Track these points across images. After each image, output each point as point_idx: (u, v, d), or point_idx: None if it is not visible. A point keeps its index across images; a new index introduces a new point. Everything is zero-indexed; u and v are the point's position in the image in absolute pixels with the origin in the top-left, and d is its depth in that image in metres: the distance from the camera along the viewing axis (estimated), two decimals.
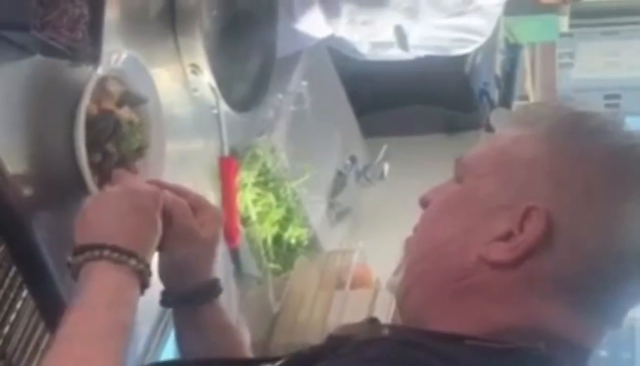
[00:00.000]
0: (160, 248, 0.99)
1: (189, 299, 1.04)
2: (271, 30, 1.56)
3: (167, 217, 0.98)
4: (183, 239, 1.00)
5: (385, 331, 0.82)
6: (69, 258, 0.90)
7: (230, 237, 1.47)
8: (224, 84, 1.42)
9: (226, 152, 1.48)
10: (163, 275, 1.04)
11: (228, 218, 1.46)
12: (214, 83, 1.38)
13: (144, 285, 0.91)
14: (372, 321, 0.87)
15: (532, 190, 0.78)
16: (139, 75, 1.15)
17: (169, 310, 1.12)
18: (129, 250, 0.89)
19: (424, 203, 0.88)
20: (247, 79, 1.53)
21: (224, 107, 1.44)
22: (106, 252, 0.88)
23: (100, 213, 0.94)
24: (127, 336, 0.86)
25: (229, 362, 1.03)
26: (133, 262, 0.89)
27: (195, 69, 1.37)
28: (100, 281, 0.88)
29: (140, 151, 1.15)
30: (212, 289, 1.06)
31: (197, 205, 1.03)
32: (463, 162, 0.86)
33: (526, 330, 0.77)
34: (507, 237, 0.78)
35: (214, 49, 1.41)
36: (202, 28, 1.37)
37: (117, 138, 1.10)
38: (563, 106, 0.86)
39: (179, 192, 1.04)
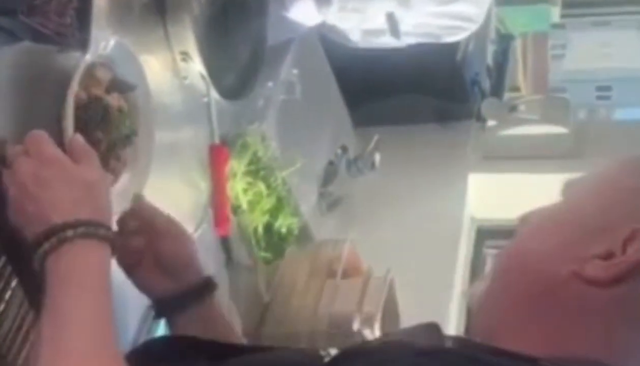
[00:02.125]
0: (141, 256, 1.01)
1: (185, 299, 1.04)
2: (261, 18, 1.55)
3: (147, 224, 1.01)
4: (164, 237, 1.03)
5: (449, 343, 0.80)
6: (33, 254, 0.84)
7: (220, 225, 1.46)
8: (214, 72, 1.41)
9: (217, 140, 1.48)
10: (148, 285, 1.04)
11: (219, 206, 1.45)
12: (204, 71, 1.37)
13: (114, 248, 0.87)
14: (431, 326, 0.85)
15: (638, 215, 0.77)
16: (128, 61, 1.14)
17: None
18: (92, 220, 0.84)
19: (523, 221, 0.86)
20: (237, 68, 1.52)
21: (214, 94, 1.43)
22: (70, 233, 0.82)
23: (37, 191, 0.86)
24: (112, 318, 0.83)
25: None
26: (102, 231, 0.85)
27: (186, 56, 1.36)
28: (73, 266, 0.82)
29: (129, 138, 1.14)
30: (207, 285, 1.06)
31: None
32: (569, 184, 0.86)
33: (604, 358, 0.75)
34: (607, 256, 0.76)
35: (203, 36, 1.40)
36: (191, 15, 1.36)
37: (105, 125, 1.09)
38: None
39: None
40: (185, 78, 1.39)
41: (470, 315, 0.84)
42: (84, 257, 0.83)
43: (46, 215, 0.84)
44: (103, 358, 0.78)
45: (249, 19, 1.53)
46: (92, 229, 0.84)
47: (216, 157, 1.47)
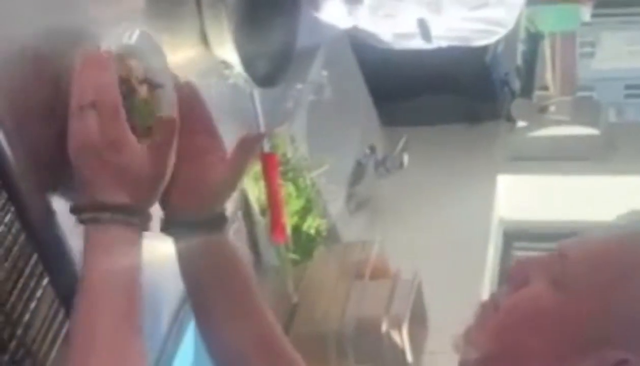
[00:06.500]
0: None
1: (194, 228, 1.00)
2: (295, 6, 1.53)
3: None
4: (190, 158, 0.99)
5: None
6: (75, 214, 0.90)
7: (277, 232, 1.47)
8: (249, 60, 1.38)
9: (266, 148, 1.47)
10: (164, 200, 1.00)
11: (274, 214, 1.45)
12: (245, 74, 1.36)
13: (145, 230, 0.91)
14: None
15: (634, 340, 0.74)
16: (154, 53, 1.07)
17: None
18: (131, 207, 0.89)
19: (517, 277, 0.82)
20: (271, 55, 1.47)
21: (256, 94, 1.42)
22: (107, 215, 0.88)
23: (92, 162, 0.89)
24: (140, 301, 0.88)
25: None
26: (135, 219, 0.89)
27: (226, 64, 1.36)
28: (106, 250, 0.88)
29: (150, 130, 1.10)
30: (218, 221, 1.02)
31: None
32: (567, 264, 0.78)
33: None
34: None
35: (238, 26, 1.39)
36: (226, 4, 1.34)
37: (128, 107, 1.05)
38: None
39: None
40: (226, 78, 1.39)
41: None
42: (116, 239, 0.88)
43: (94, 189, 0.88)
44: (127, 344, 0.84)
45: (283, 6, 1.51)
46: (126, 217, 0.88)
47: (268, 165, 1.46)
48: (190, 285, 1.04)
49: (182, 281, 1.04)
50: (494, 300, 0.83)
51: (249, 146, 1.02)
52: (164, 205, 1.01)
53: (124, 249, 0.89)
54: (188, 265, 1.03)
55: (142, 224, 0.91)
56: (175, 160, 0.97)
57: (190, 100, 1.03)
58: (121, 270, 0.88)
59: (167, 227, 1.01)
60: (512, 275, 0.83)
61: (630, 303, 0.75)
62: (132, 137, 0.91)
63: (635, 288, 0.75)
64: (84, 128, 0.88)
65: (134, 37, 1.05)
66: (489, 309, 0.82)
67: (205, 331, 1.04)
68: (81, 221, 0.89)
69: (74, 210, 0.90)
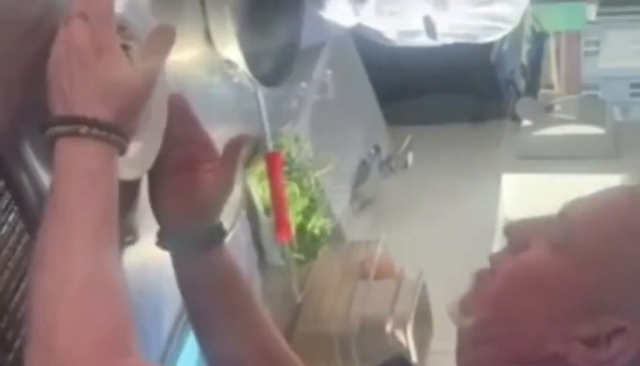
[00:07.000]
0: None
1: (190, 242, 0.98)
2: (298, 6, 1.52)
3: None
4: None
5: None
6: (43, 130, 0.81)
7: (282, 231, 1.46)
8: (252, 59, 1.38)
9: (270, 147, 1.46)
10: (159, 211, 0.98)
11: (279, 213, 1.45)
12: (249, 73, 1.36)
13: (122, 152, 0.84)
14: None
15: (633, 307, 0.74)
16: (144, 22, 0.98)
17: None
18: (110, 123, 0.81)
19: (517, 243, 0.81)
20: (274, 54, 1.47)
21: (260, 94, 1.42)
22: (84, 129, 0.79)
23: (77, 70, 0.81)
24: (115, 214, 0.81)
25: None
26: (113, 136, 0.81)
27: (230, 63, 1.36)
28: (80, 163, 0.79)
29: None
30: (215, 233, 0.99)
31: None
32: (568, 227, 0.77)
33: None
34: (591, 342, 0.74)
35: (242, 24, 1.39)
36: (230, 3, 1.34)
37: None
38: None
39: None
40: (231, 77, 1.39)
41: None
42: (91, 155, 0.80)
43: (72, 100, 0.80)
44: (100, 263, 0.77)
45: (287, 5, 1.51)
46: (104, 133, 0.80)
47: (272, 165, 1.45)
48: (188, 298, 1.02)
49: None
50: (492, 265, 0.82)
51: (234, 149, 0.99)
52: (160, 218, 0.99)
53: (100, 165, 0.80)
54: (186, 278, 1.01)
55: (119, 144, 0.82)
56: (168, 170, 0.96)
57: (180, 111, 0.99)
58: (98, 187, 0.80)
59: (163, 240, 1.00)
60: (511, 238, 0.82)
61: (632, 269, 0.74)
62: (119, 48, 0.83)
63: (638, 254, 0.74)
64: (68, 35, 0.82)
65: (122, 4, 0.97)
66: (486, 274, 0.82)
67: (204, 342, 1.03)
68: (52, 137, 0.80)
69: (43, 125, 0.81)
